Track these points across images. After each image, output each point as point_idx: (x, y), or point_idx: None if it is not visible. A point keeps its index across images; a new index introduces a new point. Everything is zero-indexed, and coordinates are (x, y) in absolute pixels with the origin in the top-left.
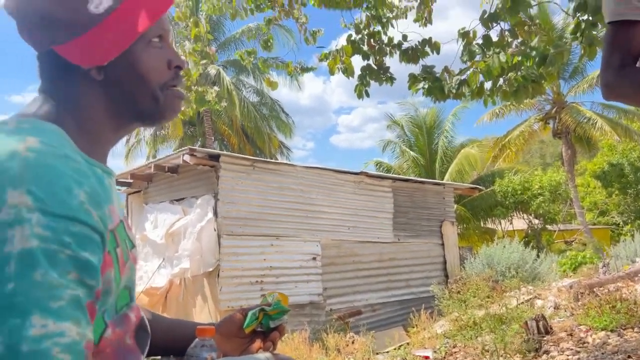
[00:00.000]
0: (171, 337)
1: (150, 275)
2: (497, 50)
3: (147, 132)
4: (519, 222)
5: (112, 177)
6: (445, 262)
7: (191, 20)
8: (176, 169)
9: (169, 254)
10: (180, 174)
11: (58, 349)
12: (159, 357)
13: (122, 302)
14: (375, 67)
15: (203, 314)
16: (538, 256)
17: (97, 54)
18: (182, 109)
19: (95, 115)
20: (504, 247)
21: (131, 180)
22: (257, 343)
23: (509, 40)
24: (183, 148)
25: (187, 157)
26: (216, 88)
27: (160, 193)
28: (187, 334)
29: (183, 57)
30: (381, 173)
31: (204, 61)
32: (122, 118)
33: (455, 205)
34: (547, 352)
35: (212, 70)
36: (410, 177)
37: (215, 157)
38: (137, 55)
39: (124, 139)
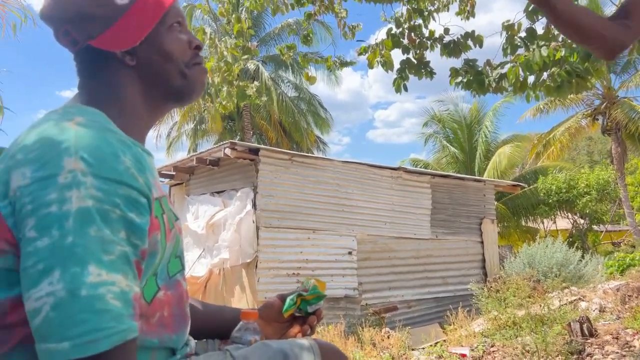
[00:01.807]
0: (214, 322)
1: (191, 265)
2: (542, 43)
3: (188, 126)
4: (563, 222)
5: (151, 157)
6: (484, 261)
7: (233, 16)
8: (217, 162)
9: (209, 244)
10: (221, 167)
11: (111, 295)
12: (204, 339)
13: (175, 270)
14: (415, 61)
15: (241, 303)
16: (583, 257)
17: (127, 39)
18: (224, 103)
19: (133, 98)
20: (547, 246)
21: (174, 173)
22: (296, 327)
23: (555, 33)
24: (224, 142)
25: (228, 151)
26: (256, 83)
27: (201, 185)
28: (228, 318)
29: (200, 41)
30: (419, 169)
31: (245, 56)
32: (157, 98)
33: (496, 203)
34: (590, 355)
35: (251, 65)
36: (449, 173)
37: (255, 151)
38: (161, 38)
39: (166, 132)
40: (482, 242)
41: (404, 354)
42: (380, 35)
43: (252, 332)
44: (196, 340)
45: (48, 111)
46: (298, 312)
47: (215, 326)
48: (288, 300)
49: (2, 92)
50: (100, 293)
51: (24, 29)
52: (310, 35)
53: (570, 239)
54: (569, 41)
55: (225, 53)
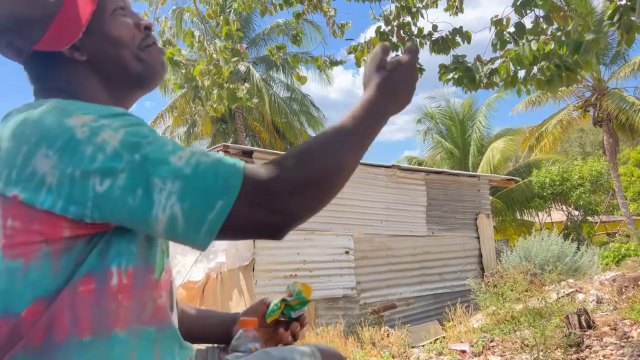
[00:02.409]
0: (208, 325)
1: (188, 269)
2: (531, 38)
3: (180, 130)
4: (558, 214)
5: None
6: (480, 256)
7: (222, 18)
8: None
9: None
10: None
11: (202, 157)
12: (204, 348)
13: (168, 253)
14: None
15: (239, 307)
16: (579, 249)
17: (69, 33)
18: (215, 106)
19: (94, 93)
20: (542, 239)
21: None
22: (281, 332)
23: (544, 27)
24: (217, 145)
25: (221, 154)
26: (247, 84)
27: None
28: (212, 323)
29: (146, 19)
30: (413, 166)
31: (235, 58)
32: (120, 87)
33: (491, 198)
34: (589, 347)
35: (242, 67)
36: (443, 170)
37: (249, 154)
38: (106, 26)
39: None
40: (478, 238)
41: (404, 352)
42: (370, 33)
43: (252, 340)
44: (196, 349)
45: (4, 115)
46: (282, 317)
47: (200, 330)
48: (272, 305)
49: None
50: (196, 162)
51: None
52: (300, 35)
53: (566, 231)
54: (558, 34)
55: (214, 56)
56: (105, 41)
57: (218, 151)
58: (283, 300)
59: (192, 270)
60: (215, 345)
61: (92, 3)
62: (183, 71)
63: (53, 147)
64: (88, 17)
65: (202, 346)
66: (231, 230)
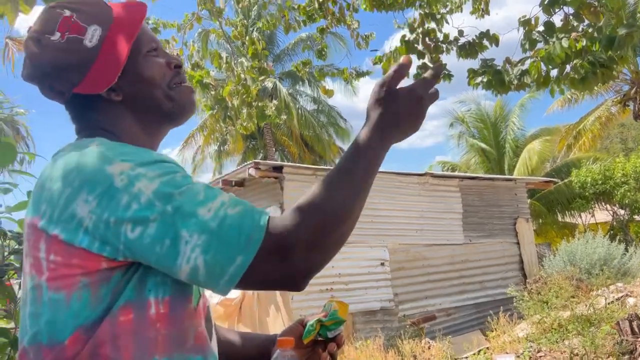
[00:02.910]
0: (240, 350)
1: None
2: (561, 36)
3: (211, 148)
4: (602, 214)
5: None
6: (522, 262)
7: (247, 38)
8: (242, 182)
9: None
10: (247, 187)
11: (230, 209)
12: None
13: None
14: (432, 65)
15: (276, 323)
16: (627, 250)
17: (107, 77)
18: (245, 125)
19: (130, 129)
20: (587, 241)
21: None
22: (319, 352)
23: (574, 24)
24: (248, 162)
25: (252, 171)
26: (275, 102)
27: None
28: (251, 346)
29: (179, 58)
30: (446, 172)
31: (262, 77)
32: (152, 124)
33: (529, 201)
34: None
35: (269, 83)
36: (477, 175)
37: (279, 169)
38: (139, 67)
39: (191, 156)
40: (518, 243)
41: None
42: (395, 42)
43: (289, 359)
44: None
45: (53, 155)
46: (319, 337)
47: (249, 352)
48: (308, 326)
49: (32, 132)
50: (223, 215)
51: None
52: (325, 49)
53: (612, 232)
54: (590, 31)
55: (242, 75)
56: (139, 81)
57: (249, 169)
58: (319, 320)
59: None
60: None
61: (128, 47)
62: (212, 92)
63: (93, 193)
64: (124, 61)
65: None
66: (250, 282)
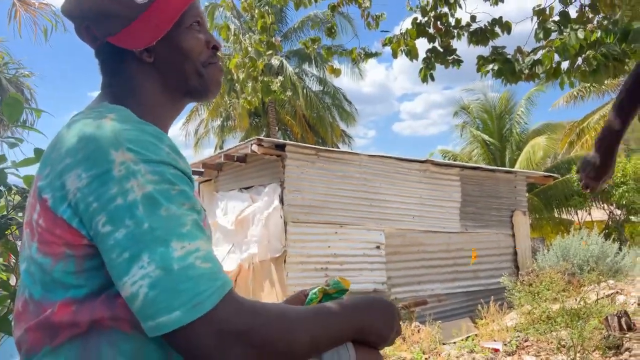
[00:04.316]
0: None
1: (221, 260)
2: (576, 27)
3: (215, 123)
4: (598, 213)
5: (178, 148)
6: (515, 254)
7: (257, 11)
8: (244, 158)
9: (238, 239)
10: (248, 163)
11: (199, 261)
12: None
13: None
14: (441, 50)
15: (270, 298)
16: (620, 249)
17: (145, 37)
18: (249, 99)
19: (153, 94)
20: (582, 238)
21: (202, 170)
22: None
23: (590, 16)
24: (251, 138)
25: (254, 147)
26: (280, 78)
27: (230, 182)
28: None
29: (220, 40)
30: (448, 161)
31: (270, 51)
32: (175, 94)
33: (527, 195)
34: (628, 349)
35: (275, 61)
36: (479, 165)
37: (281, 147)
38: (179, 37)
39: (194, 129)
40: (513, 235)
41: (434, 349)
42: (405, 24)
43: None
44: None
45: (74, 115)
46: None
47: None
48: (311, 293)
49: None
50: (189, 262)
51: (54, 34)
52: (334, 27)
53: (606, 231)
54: (605, 23)
55: (249, 49)
56: (175, 51)
57: (252, 145)
58: (322, 289)
59: (225, 260)
60: None
61: (177, 16)
62: None
63: (89, 172)
64: (168, 27)
65: None
66: (171, 341)
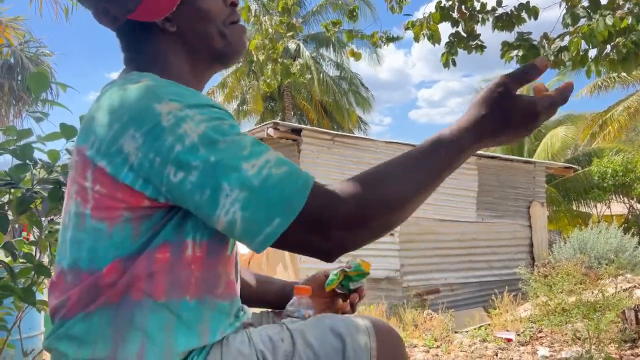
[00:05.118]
0: (260, 291)
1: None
2: (606, 13)
3: (230, 106)
4: (618, 207)
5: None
6: (531, 245)
7: None
8: (260, 142)
9: None
10: None
11: (274, 169)
12: (259, 312)
13: None
14: (465, 35)
15: None
16: (639, 244)
17: (165, 5)
18: (269, 81)
19: (180, 65)
20: (600, 232)
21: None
22: (340, 302)
23: (621, 2)
24: (267, 122)
25: (270, 131)
26: (300, 60)
27: None
28: (272, 290)
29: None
30: None
31: (290, 33)
32: (202, 62)
33: (546, 186)
34: None
35: (292, 45)
36: (497, 154)
37: (297, 131)
38: (197, 1)
39: None
40: (530, 226)
41: (446, 336)
42: (429, 8)
43: (305, 307)
44: (252, 313)
45: (104, 85)
46: (340, 289)
47: (268, 296)
48: (331, 274)
49: (56, 74)
50: (266, 174)
51: (75, 13)
52: (356, 10)
53: (626, 225)
54: (636, 10)
55: (270, 30)
56: (195, 14)
57: (268, 128)
58: (342, 270)
59: (239, 244)
60: (270, 310)
61: None
62: None
63: (140, 130)
64: None
65: (257, 310)
66: (285, 245)
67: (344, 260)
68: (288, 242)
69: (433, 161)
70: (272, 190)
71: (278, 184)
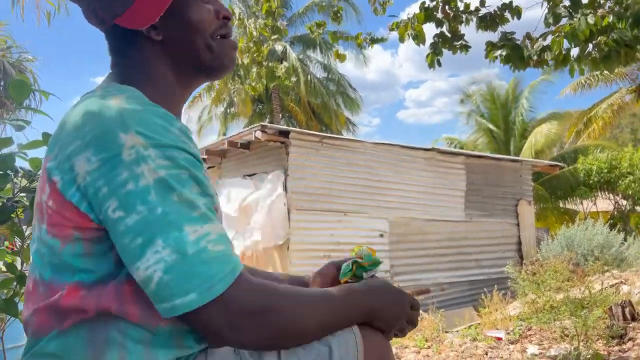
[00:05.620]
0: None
1: None
2: (587, 12)
3: (218, 110)
4: (604, 203)
5: (189, 131)
6: (520, 243)
7: None
8: (248, 145)
9: (241, 226)
10: (252, 150)
11: (212, 244)
12: None
13: None
14: (449, 35)
15: None
16: (625, 240)
17: (150, 13)
18: (254, 84)
19: (164, 74)
20: (587, 228)
21: (206, 156)
22: None
23: (602, 1)
24: (255, 125)
25: (258, 134)
26: (285, 64)
27: (233, 169)
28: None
29: (229, 11)
30: (454, 149)
31: (275, 36)
32: (187, 73)
33: (533, 184)
34: (632, 339)
35: (279, 46)
36: (485, 154)
37: (285, 134)
38: (186, 9)
39: (197, 116)
40: (518, 224)
41: (437, 337)
42: (413, 9)
43: None
44: None
45: (84, 93)
46: (351, 280)
47: None
48: (344, 266)
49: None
50: (203, 246)
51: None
52: (340, 12)
53: (612, 221)
54: (617, 8)
55: (254, 33)
56: (182, 24)
57: (256, 131)
58: (355, 262)
59: None
60: None
61: None
62: None
63: (98, 155)
64: (170, 1)
65: None
66: (185, 318)
67: (356, 250)
68: (194, 321)
69: (335, 305)
70: (201, 265)
71: (208, 262)
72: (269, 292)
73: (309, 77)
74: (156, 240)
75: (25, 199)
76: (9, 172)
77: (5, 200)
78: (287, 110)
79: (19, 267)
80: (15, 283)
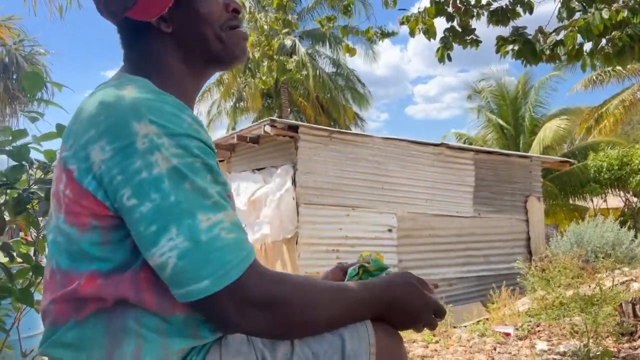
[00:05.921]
0: None
1: None
2: (602, 6)
3: (227, 104)
4: (614, 200)
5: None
6: (529, 239)
7: None
8: (257, 139)
9: (250, 220)
10: (261, 144)
11: (225, 232)
12: None
13: None
14: (460, 29)
15: None
16: (636, 237)
17: (158, 5)
18: (264, 78)
19: (175, 65)
20: (597, 225)
21: (215, 150)
22: None
23: None
24: (264, 119)
25: (267, 128)
26: (295, 57)
27: (242, 163)
28: None
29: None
30: (463, 145)
31: (286, 30)
32: (198, 63)
33: (542, 180)
34: None
35: (288, 41)
36: (494, 149)
37: (294, 128)
38: (194, 2)
39: (206, 110)
40: (527, 221)
41: (445, 332)
42: (424, 3)
43: None
44: None
45: (98, 84)
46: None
47: None
48: (350, 270)
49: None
50: (216, 233)
51: (69, 11)
52: (351, 6)
53: (622, 218)
54: (631, 3)
55: (265, 27)
56: (191, 16)
57: (265, 125)
58: (361, 266)
59: None
60: None
61: None
62: None
63: (112, 144)
64: None
65: None
66: (198, 305)
67: (364, 255)
68: (207, 307)
69: (351, 298)
70: (215, 252)
71: (222, 248)
72: (282, 281)
73: (317, 71)
74: (170, 228)
75: (40, 190)
76: (24, 163)
77: (21, 192)
78: (296, 105)
79: (33, 258)
80: (30, 273)
